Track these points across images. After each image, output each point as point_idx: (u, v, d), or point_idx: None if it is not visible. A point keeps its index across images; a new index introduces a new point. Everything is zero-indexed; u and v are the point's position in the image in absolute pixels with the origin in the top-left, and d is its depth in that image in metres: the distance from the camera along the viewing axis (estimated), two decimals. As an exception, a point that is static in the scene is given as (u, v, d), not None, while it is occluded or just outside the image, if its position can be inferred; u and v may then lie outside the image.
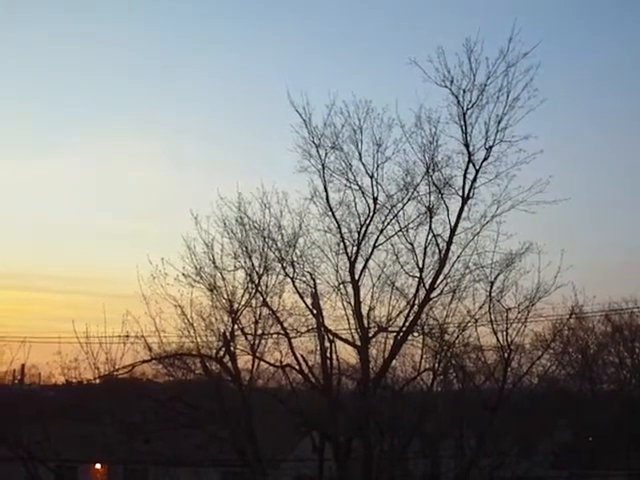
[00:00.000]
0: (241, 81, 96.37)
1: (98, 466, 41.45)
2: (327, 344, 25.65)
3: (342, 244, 25.65)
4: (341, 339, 26.03)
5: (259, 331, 25.51)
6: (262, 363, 26.10)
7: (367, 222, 25.52)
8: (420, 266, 25.49)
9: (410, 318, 25.52)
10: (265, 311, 25.50)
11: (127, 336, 24.48)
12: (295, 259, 25.64)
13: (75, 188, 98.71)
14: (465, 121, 24.76)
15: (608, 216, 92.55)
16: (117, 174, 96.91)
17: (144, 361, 24.98)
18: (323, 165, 25.54)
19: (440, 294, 25.69)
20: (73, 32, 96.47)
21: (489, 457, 29.40)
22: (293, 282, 25.63)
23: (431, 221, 25.41)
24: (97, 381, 25.38)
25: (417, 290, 25.48)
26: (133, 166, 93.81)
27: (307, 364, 25.84)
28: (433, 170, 25.15)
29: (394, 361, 26.48)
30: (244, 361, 25.86)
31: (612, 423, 46.71)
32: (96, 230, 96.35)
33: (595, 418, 46.70)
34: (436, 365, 26.80)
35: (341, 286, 25.74)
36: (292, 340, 25.63)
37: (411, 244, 25.64)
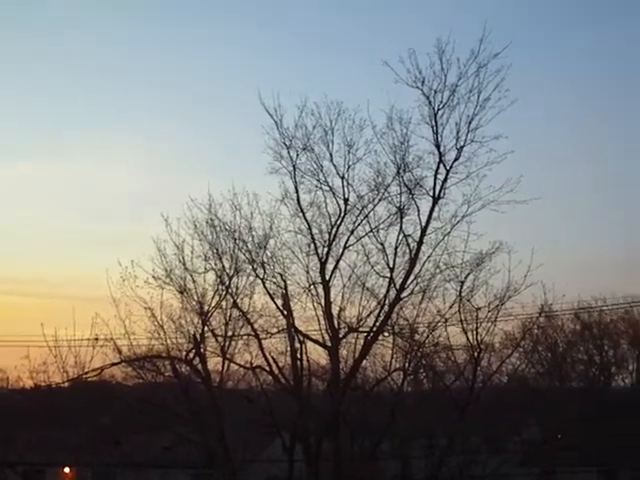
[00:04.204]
0: (212, 83, 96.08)
1: (67, 470, 41.22)
2: (297, 345, 25.62)
3: (313, 245, 25.63)
4: (311, 340, 26.00)
5: (229, 333, 25.47)
6: (232, 364, 26.13)
7: (338, 223, 25.50)
8: (391, 266, 25.49)
9: (380, 318, 25.52)
10: (235, 312, 25.45)
11: (96, 339, 24.32)
12: (266, 260, 25.60)
13: (44, 190, 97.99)
14: (436, 122, 24.78)
15: (578, 215, 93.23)
16: (87, 176, 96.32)
17: (113, 364, 24.79)
18: (294, 166, 25.50)
19: (410, 294, 25.71)
20: (41, 34, 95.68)
21: (459, 455, 29.51)
22: (264, 283, 25.59)
23: (402, 221, 25.44)
24: (66, 384, 25.18)
25: (387, 290, 25.48)
26: (103, 168, 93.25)
27: (277, 365, 25.79)
28: (404, 170, 25.15)
29: (364, 361, 26.49)
30: (214, 363, 25.86)
31: (581, 420, 46.97)
32: (65, 232, 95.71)
33: (564, 415, 46.91)
34: (406, 365, 26.81)
35: (312, 287, 25.75)
36: (262, 341, 25.59)
37: (382, 244, 25.64)
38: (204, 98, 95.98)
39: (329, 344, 25.81)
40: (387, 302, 25.49)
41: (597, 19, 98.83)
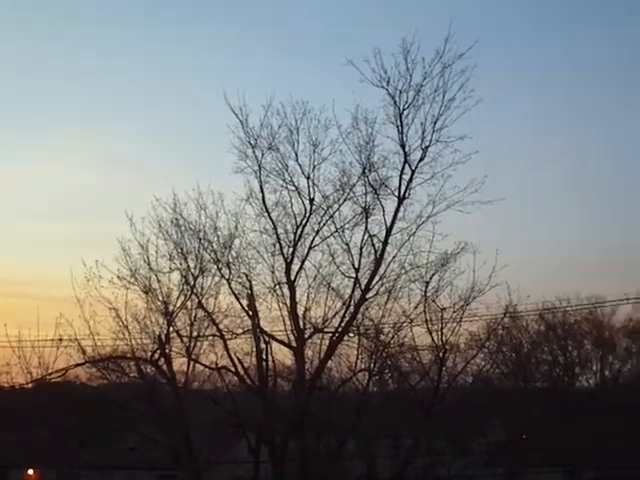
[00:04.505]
0: (177, 81, 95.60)
1: (30, 472, 40.93)
2: (263, 345, 25.60)
3: (278, 245, 25.59)
4: (277, 340, 25.98)
5: (194, 333, 25.38)
6: (197, 365, 26.04)
7: (303, 223, 25.49)
8: (356, 266, 25.53)
9: (346, 319, 25.55)
10: (200, 313, 25.38)
11: (60, 339, 24.19)
12: (231, 260, 25.54)
13: (7, 190, 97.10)
14: (401, 121, 24.84)
15: (542, 216, 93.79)
16: (51, 175, 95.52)
17: (78, 364, 24.66)
18: (259, 166, 25.47)
19: (376, 294, 25.75)
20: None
21: (424, 456, 29.60)
22: (229, 283, 25.52)
23: (367, 221, 25.47)
24: (30, 385, 24.99)
25: (353, 290, 25.52)
26: (67, 167, 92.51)
27: (243, 366, 25.76)
28: (369, 170, 25.20)
29: (330, 362, 26.47)
30: (179, 363, 25.76)
31: (546, 421, 47.32)
32: (29, 232, 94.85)
33: (529, 416, 47.24)
34: (371, 365, 26.87)
35: (277, 287, 25.69)
36: (228, 342, 25.54)
37: (347, 244, 25.67)
38: (169, 97, 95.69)
39: (294, 344, 25.79)
40: (352, 302, 25.52)
41: (563, 19, 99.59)
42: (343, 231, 25.63)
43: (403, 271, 25.78)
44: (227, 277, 25.46)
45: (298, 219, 25.53)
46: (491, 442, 42.72)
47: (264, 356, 25.59)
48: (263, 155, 25.43)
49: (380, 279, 25.59)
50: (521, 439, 46.56)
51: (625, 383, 62.52)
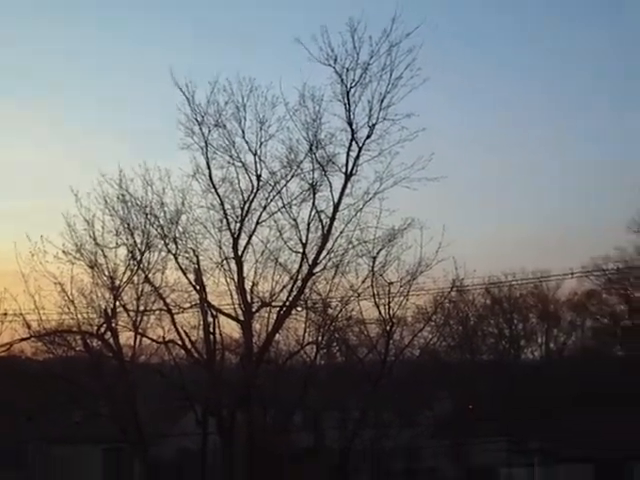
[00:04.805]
0: (123, 56, 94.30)
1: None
2: (210, 319, 25.73)
3: (225, 221, 25.70)
4: (224, 314, 26.14)
5: (141, 307, 25.39)
6: (145, 339, 26.05)
7: (250, 199, 25.60)
8: (303, 242, 25.71)
9: (293, 293, 25.76)
10: (147, 287, 25.41)
11: (5, 314, 24.13)
12: (178, 236, 25.61)
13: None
14: (349, 99, 24.97)
15: (488, 193, 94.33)
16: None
17: (23, 339, 24.60)
18: (206, 142, 25.49)
19: (323, 269, 26.02)
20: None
21: (372, 428, 29.96)
22: (176, 259, 25.58)
23: (314, 198, 25.64)
24: (-27, 359, 24.86)
25: (300, 265, 25.71)
26: (8, 140, 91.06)
27: (190, 339, 25.87)
28: (316, 147, 25.33)
29: (277, 335, 26.78)
30: (126, 337, 25.83)
31: (492, 393, 47.90)
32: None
33: (475, 388, 47.77)
34: (319, 338, 27.17)
35: (224, 262, 25.84)
36: (175, 316, 25.64)
37: (294, 220, 25.85)
38: (115, 72, 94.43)
39: (242, 318, 25.97)
40: (300, 277, 25.73)
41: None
42: (290, 207, 25.84)
43: (350, 246, 26.09)
44: (174, 252, 25.54)
45: (245, 195, 25.66)
46: (438, 414, 43.19)
47: (211, 329, 25.74)
48: (210, 132, 25.50)
49: (328, 254, 25.86)
50: (467, 410, 47.10)
51: (570, 356, 63.38)
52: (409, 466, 38.98)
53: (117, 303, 25.12)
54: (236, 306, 26.06)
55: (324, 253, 25.76)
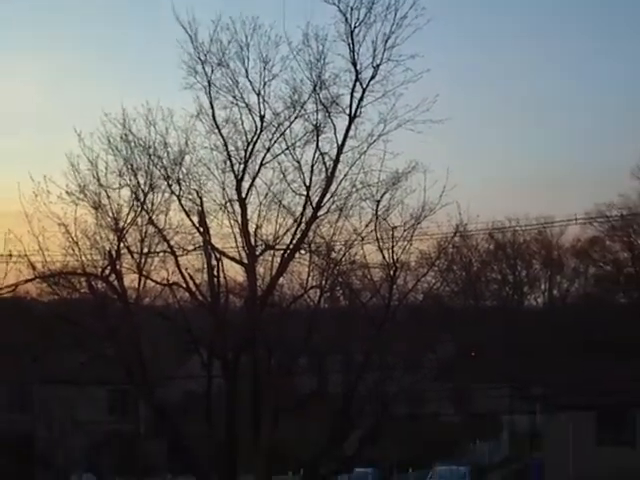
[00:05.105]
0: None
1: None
2: (214, 262, 25.72)
3: (229, 162, 25.55)
4: (228, 257, 26.12)
5: (145, 249, 25.38)
6: (149, 281, 26.05)
7: (254, 140, 25.41)
8: (307, 184, 25.60)
9: (297, 236, 25.70)
10: (151, 229, 25.37)
11: (10, 255, 24.05)
12: (181, 177, 25.46)
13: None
14: (353, 39, 24.66)
15: (493, 136, 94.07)
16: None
17: (28, 280, 24.57)
18: (209, 82, 25.22)
19: (327, 212, 25.91)
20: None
21: (375, 372, 30.08)
22: (179, 200, 25.49)
23: (318, 139, 25.43)
24: (-21, 301, 24.92)
25: (304, 208, 25.63)
26: (13, 80, 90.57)
27: (194, 282, 25.88)
28: (320, 88, 25.08)
29: (281, 279, 26.73)
30: (130, 279, 25.81)
31: (495, 338, 48.18)
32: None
33: (479, 333, 48.03)
34: (323, 282, 27.12)
35: (228, 204, 25.75)
36: (179, 258, 25.63)
37: (298, 162, 25.68)
38: (118, 10, 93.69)
39: (246, 261, 25.95)
40: (304, 220, 25.66)
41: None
42: (294, 149, 25.66)
43: (354, 189, 25.95)
44: (177, 194, 25.44)
45: (249, 136, 25.46)
46: (441, 358, 43.46)
47: (215, 272, 25.72)
48: (213, 71, 25.22)
49: (331, 197, 25.73)
50: (470, 356, 47.42)
51: (573, 303, 63.61)
52: (412, 411, 39.34)
53: (121, 245, 25.10)
54: (240, 249, 26.06)
55: (328, 196, 25.66)
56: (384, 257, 26.92)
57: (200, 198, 25.57)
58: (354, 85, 24.99)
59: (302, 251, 26.31)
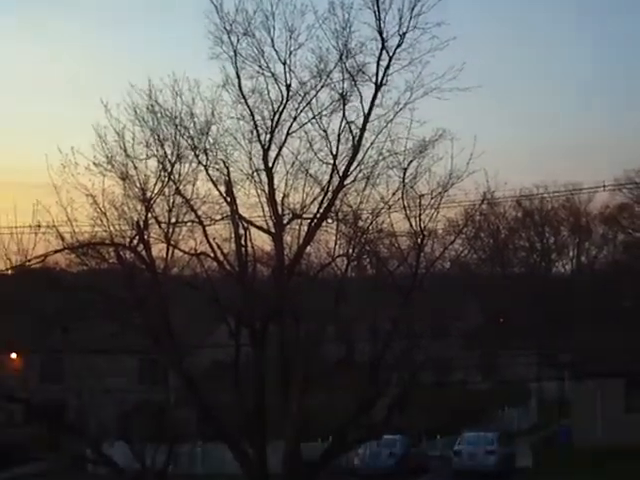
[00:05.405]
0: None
1: (14, 355, 41.40)
2: (241, 232, 25.77)
3: (255, 132, 25.54)
4: (255, 226, 26.20)
5: (173, 219, 25.45)
6: (177, 251, 26.13)
7: (280, 109, 25.38)
8: (334, 153, 25.54)
9: (324, 205, 25.69)
10: (178, 199, 25.42)
11: (39, 226, 24.19)
12: (208, 147, 25.48)
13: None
14: (378, 7, 24.49)
15: (520, 103, 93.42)
16: (21, 59, 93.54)
17: (56, 251, 24.72)
18: (235, 52, 25.19)
19: (354, 181, 25.89)
20: None
21: (402, 340, 30.13)
22: (206, 170, 25.53)
23: (344, 108, 25.35)
24: (9, 272, 25.12)
25: (331, 177, 25.60)
26: (42, 50, 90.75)
27: (222, 252, 25.94)
28: (346, 57, 24.98)
29: (308, 248, 26.75)
30: (158, 249, 25.88)
31: (522, 305, 48.08)
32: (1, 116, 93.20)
33: (506, 301, 47.96)
34: (350, 251, 27.14)
35: (255, 174, 25.77)
36: (206, 228, 25.67)
37: (325, 131, 25.62)
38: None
39: (273, 230, 26.01)
40: (330, 189, 25.63)
41: None
42: (321, 118, 25.59)
43: (381, 158, 25.89)
44: (204, 164, 25.47)
45: (275, 105, 25.42)
46: (469, 326, 43.51)
47: (243, 242, 25.80)
48: (239, 41, 25.18)
49: (358, 166, 25.69)
50: (498, 323, 47.39)
51: (601, 269, 63.31)
52: (440, 379, 39.41)
53: (149, 215, 25.19)
54: (267, 218, 26.12)
55: (354, 165, 25.62)
56: (411, 225, 26.87)
57: (227, 168, 25.61)
58: (380, 53, 24.87)
59: (329, 220, 26.31)
